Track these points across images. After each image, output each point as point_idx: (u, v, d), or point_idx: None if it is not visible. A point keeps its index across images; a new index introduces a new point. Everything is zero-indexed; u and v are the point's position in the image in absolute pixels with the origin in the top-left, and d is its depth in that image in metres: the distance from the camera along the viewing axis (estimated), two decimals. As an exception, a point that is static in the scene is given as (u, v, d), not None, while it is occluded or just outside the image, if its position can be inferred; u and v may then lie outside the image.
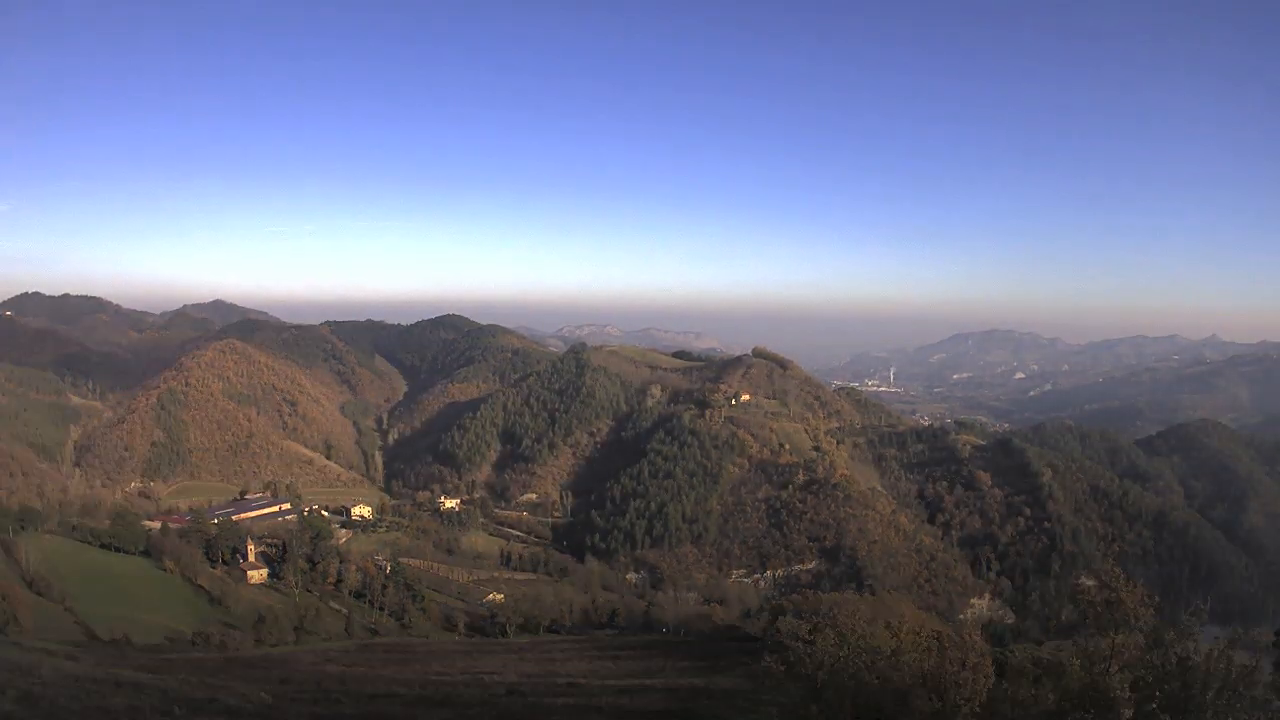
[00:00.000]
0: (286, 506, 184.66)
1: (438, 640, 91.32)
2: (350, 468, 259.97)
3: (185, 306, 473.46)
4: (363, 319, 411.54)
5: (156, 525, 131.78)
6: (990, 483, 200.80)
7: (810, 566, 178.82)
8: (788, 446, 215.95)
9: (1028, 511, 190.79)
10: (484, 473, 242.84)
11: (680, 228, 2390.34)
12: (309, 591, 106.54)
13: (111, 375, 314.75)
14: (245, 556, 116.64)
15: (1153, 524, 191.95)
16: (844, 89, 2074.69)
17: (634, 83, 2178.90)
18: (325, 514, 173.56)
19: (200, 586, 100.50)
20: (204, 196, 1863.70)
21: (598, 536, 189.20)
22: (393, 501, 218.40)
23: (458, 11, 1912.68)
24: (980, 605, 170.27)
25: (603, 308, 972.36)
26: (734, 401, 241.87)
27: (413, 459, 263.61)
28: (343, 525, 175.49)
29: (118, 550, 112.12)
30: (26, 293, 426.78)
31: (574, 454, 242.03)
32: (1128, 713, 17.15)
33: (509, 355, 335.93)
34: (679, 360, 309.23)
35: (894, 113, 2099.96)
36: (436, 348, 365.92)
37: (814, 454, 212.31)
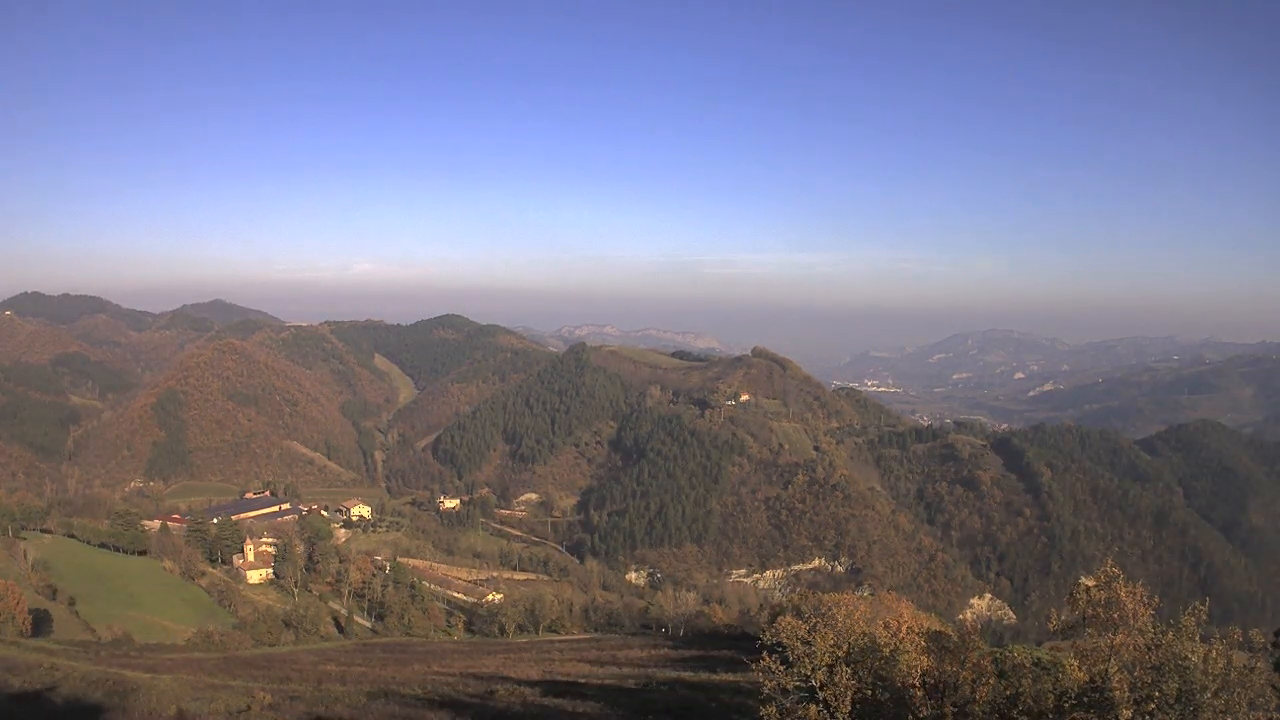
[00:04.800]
0: (286, 506, 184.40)
1: (437, 640, 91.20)
2: (350, 467, 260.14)
3: (185, 306, 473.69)
4: (363, 319, 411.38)
5: (156, 525, 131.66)
6: (990, 483, 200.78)
7: (810, 566, 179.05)
8: (788, 446, 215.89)
9: (1028, 512, 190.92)
10: (485, 472, 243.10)
11: (679, 225, 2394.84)
12: (309, 591, 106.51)
13: (111, 375, 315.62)
14: (245, 556, 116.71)
15: (1153, 524, 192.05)
16: (845, 86, 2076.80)
17: (634, 78, 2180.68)
18: (325, 514, 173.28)
19: (200, 586, 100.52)
20: (205, 194, 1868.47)
21: (598, 536, 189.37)
22: (393, 501, 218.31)
23: (459, 9, 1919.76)
24: (980, 605, 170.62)
25: (603, 307, 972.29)
26: (734, 401, 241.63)
27: (413, 459, 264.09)
28: (343, 525, 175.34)
29: (118, 550, 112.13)
30: (26, 293, 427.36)
31: (575, 454, 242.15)
32: (1128, 713, 17.13)
33: (509, 355, 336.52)
34: (679, 360, 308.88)
35: (894, 112, 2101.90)
36: (436, 348, 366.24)
37: (814, 454, 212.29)
